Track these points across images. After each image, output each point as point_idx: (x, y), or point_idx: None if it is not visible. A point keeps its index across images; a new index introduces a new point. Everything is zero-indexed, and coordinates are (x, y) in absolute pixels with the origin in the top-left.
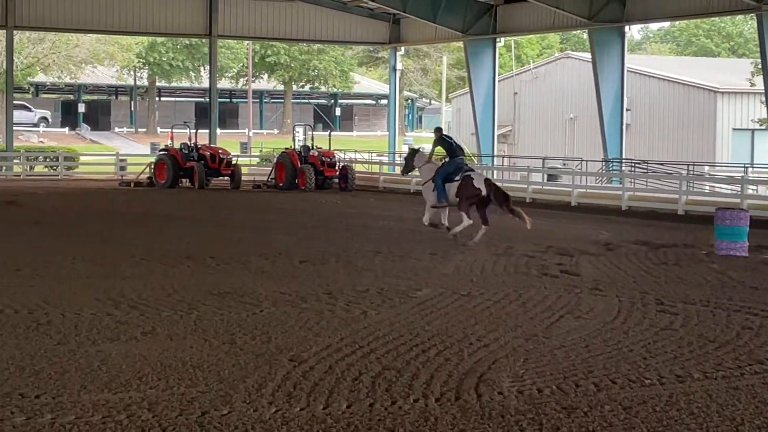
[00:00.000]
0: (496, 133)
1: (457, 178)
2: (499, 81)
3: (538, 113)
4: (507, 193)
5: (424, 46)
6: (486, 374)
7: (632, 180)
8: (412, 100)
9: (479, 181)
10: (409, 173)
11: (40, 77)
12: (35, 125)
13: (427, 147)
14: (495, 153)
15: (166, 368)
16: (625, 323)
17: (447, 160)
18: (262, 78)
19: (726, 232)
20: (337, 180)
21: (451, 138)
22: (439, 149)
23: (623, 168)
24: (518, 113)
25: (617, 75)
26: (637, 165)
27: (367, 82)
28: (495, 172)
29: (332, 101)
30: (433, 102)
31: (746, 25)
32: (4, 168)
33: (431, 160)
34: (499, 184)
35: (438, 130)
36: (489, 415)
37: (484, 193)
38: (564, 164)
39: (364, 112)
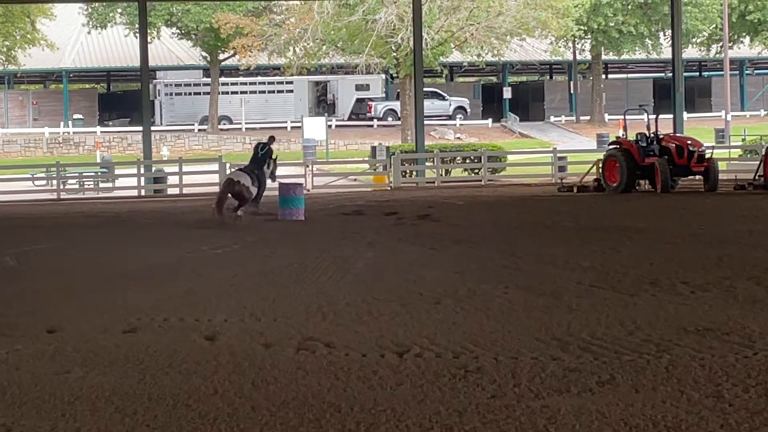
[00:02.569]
0: None
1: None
2: None
3: None
4: (220, 198)
5: None
6: None
7: None
8: None
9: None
10: None
11: (455, 56)
12: (450, 117)
13: None
14: None
15: (632, 428)
16: None
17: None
18: (742, 42)
19: None
20: None
21: (265, 150)
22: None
23: None
24: None
25: None
26: None
27: None
28: None
29: None
30: None
31: None
32: (415, 173)
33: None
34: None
35: (270, 139)
36: None
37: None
38: None
39: None
